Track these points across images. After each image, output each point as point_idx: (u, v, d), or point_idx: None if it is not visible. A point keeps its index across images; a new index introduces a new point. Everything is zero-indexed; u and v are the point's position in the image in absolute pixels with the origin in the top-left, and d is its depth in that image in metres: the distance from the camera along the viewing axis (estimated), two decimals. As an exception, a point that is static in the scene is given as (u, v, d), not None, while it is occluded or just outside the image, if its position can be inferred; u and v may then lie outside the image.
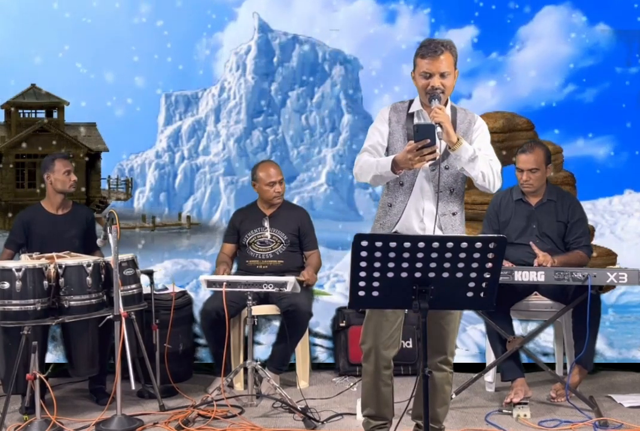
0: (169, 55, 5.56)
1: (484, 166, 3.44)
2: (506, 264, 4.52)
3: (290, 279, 4.49)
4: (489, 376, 4.86)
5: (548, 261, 4.46)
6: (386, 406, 3.73)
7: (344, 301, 5.42)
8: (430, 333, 3.55)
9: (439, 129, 3.31)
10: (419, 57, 3.48)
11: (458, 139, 3.38)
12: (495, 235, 3.11)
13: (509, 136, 5.52)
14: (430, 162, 3.39)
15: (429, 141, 3.26)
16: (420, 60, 3.47)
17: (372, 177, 3.48)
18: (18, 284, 4.22)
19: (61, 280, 4.35)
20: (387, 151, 3.57)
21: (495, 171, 3.50)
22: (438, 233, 3.50)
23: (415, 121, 3.54)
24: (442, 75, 3.44)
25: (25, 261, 4.50)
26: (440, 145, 3.39)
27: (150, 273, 4.96)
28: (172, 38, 5.56)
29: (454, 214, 3.55)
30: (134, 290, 4.65)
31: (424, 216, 3.52)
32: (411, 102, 3.61)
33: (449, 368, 3.64)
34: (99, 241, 4.49)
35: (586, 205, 4.93)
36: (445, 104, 3.53)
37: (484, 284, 2.88)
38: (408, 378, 4.87)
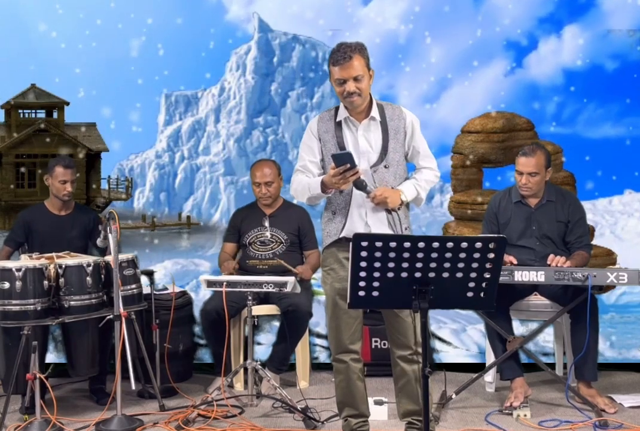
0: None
1: (427, 190, 3.70)
2: (508, 258, 4.49)
3: (290, 279, 4.49)
4: (489, 376, 4.86)
5: (559, 260, 4.43)
6: (363, 402, 3.80)
7: (344, 301, 5.42)
8: (393, 326, 3.64)
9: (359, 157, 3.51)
10: (331, 64, 3.54)
11: (402, 202, 3.57)
12: (495, 235, 3.11)
13: (509, 136, 5.51)
14: (365, 167, 3.53)
15: (348, 165, 3.38)
16: (333, 68, 3.53)
17: (307, 198, 3.64)
18: (18, 284, 4.22)
19: (61, 280, 4.35)
20: (324, 162, 3.67)
21: (435, 179, 3.74)
22: (389, 231, 3.57)
23: (345, 129, 3.63)
24: (356, 79, 3.50)
25: (25, 261, 4.50)
26: (376, 145, 3.59)
27: (150, 273, 4.97)
28: (171, 54, 5.57)
29: (398, 208, 3.62)
30: (134, 290, 4.65)
31: (368, 219, 3.61)
32: (337, 109, 3.68)
33: (420, 359, 3.64)
34: (99, 241, 4.49)
35: (586, 205, 4.92)
36: (371, 104, 3.62)
37: (484, 284, 2.89)
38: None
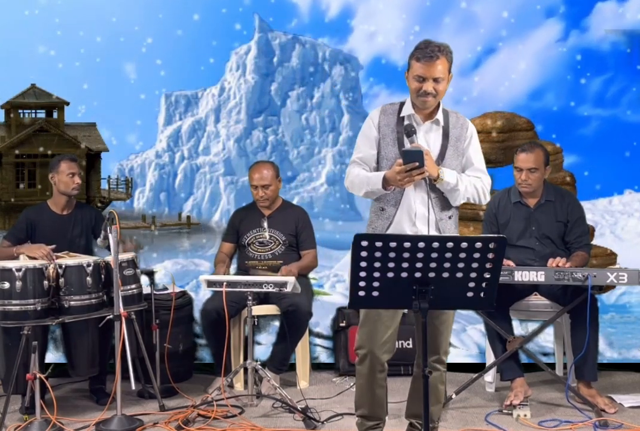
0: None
1: (467, 193, 3.51)
2: (507, 262, 4.51)
3: (291, 279, 4.49)
4: (489, 376, 4.86)
5: (559, 261, 4.43)
6: (380, 407, 3.73)
7: (344, 301, 5.42)
8: (420, 328, 3.58)
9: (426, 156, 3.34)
10: (414, 59, 3.46)
11: (438, 175, 3.41)
12: (495, 235, 3.10)
13: (509, 136, 5.51)
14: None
15: (417, 164, 3.30)
16: (415, 63, 3.45)
17: (364, 192, 3.52)
18: (18, 284, 4.22)
19: (61, 280, 4.35)
20: (378, 155, 3.57)
21: (481, 190, 3.56)
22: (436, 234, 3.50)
23: (406, 123, 3.52)
24: (436, 80, 3.44)
25: (25, 261, 4.50)
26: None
27: (150, 273, 4.97)
28: (172, 65, 5.58)
29: (449, 217, 3.55)
30: (134, 290, 4.65)
31: (417, 219, 3.51)
32: (402, 104, 3.59)
33: (443, 367, 3.65)
34: (99, 241, 4.48)
35: (586, 205, 4.92)
36: (437, 108, 3.54)
37: (484, 284, 2.88)
38: (408, 378, 4.85)
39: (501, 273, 3.06)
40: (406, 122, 3.53)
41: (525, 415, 4.36)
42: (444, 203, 3.53)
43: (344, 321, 5.26)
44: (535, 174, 4.63)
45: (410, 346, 5.16)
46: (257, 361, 4.57)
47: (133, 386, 4.25)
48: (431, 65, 3.41)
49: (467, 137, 3.59)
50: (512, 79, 5.49)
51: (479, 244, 2.80)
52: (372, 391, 3.64)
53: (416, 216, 3.50)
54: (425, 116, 3.54)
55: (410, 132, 3.42)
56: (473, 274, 2.86)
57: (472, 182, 3.53)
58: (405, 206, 3.51)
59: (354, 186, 3.56)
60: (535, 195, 4.74)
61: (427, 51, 3.41)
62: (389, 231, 3.50)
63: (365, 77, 5.63)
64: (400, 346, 5.08)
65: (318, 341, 5.50)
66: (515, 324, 4.84)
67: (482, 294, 2.90)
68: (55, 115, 5.64)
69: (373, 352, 3.54)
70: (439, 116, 3.54)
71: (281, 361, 4.97)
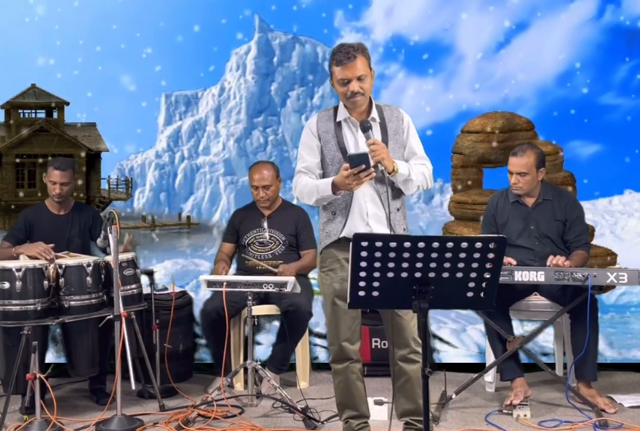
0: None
1: (418, 181, 3.60)
2: (507, 259, 4.49)
3: (291, 279, 4.49)
4: (489, 376, 4.86)
5: (559, 259, 4.43)
6: (363, 402, 3.79)
7: (344, 301, 5.42)
8: (389, 325, 3.62)
9: (371, 158, 3.40)
10: (334, 65, 3.53)
11: (394, 168, 3.48)
12: (495, 235, 3.11)
13: (509, 136, 5.52)
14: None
15: (364, 166, 3.37)
16: (336, 68, 3.52)
17: (315, 200, 3.59)
18: (18, 284, 4.22)
19: (61, 280, 4.36)
20: (322, 162, 3.64)
21: (428, 176, 3.68)
22: (388, 232, 3.55)
23: (345, 129, 3.61)
24: (360, 79, 3.50)
25: (25, 261, 4.50)
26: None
27: (150, 273, 4.97)
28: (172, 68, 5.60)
29: (398, 209, 3.63)
30: (134, 290, 4.65)
31: (369, 219, 3.59)
32: (336, 109, 3.66)
33: (419, 358, 3.63)
34: (99, 241, 4.49)
35: (586, 205, 4.91)
36: (370, 105, 3.61)
37: (484, 284, 2.88)
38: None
39: (501, 273, 3.07)
40: (344, 126, 3.61)
41: (525, 415, 4.36)
42: (394, 196, 3.60)
43: (344, 321, 5.25)
44: (525, 178, 4.62)
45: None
46: (257, 361, 4.57)
47: (133, 386, 4.25)
48: (351, 66, 3.48)
49: (405, 128, 3.67)
50: (537, 62, 5.44)
51: (479, 244, 2.80)
52: (353, 384, 3.71)
53: (368, 215, 3.59)
54: (360, 115, 3.61)
55: (366, 127, 3.50)
56: (473, 274, 2.86)
57: (421, 171, 3.64)
58: (357, 207, 3.59)
59: (303, 195, 3.64)
60: (532, 194, 4.73)
61: (343, 54, 3.48)
62: (344, 233, 3.59)
63: (383, 57, 5.58)
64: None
65: (318, 341, 5.50)
66: (515, 324, 4.84)
67: (482, 294, 2.90)
68: (55, 115, 5.64)
69: (346, 344, 3.65)
70: (374, 113, 3.62)
71: (281, 361, 4.97)
